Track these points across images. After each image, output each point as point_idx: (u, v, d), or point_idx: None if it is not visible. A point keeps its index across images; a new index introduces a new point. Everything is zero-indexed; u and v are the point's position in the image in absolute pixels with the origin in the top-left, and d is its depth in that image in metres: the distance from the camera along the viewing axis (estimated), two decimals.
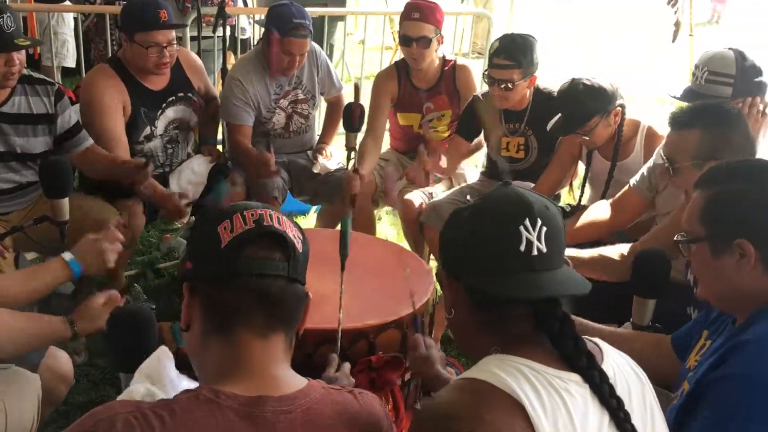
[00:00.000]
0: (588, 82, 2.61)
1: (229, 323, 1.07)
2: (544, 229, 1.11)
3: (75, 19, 5.13)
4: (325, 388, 1.11)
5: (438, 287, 2.26)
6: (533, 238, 1.11)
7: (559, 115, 2.70)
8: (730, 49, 2.46)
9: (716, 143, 1.93)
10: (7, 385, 1.69)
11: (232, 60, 4.18)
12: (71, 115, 2.66)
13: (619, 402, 1.09)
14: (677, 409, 1.42)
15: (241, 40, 4.76)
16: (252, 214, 1.08)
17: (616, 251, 2.23)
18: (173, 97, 3.04)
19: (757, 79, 2.39)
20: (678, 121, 2.04)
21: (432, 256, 3.30)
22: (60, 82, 4.13)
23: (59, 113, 2.61)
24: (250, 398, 1.02)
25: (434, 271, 2.42)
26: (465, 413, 1.02)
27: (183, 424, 0.97)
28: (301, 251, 1.10)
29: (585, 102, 2.59)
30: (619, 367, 1.17)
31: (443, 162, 3.09)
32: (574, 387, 1.07)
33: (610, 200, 2.62)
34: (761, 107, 2.36)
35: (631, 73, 7.95)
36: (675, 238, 1.52)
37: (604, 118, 2.61)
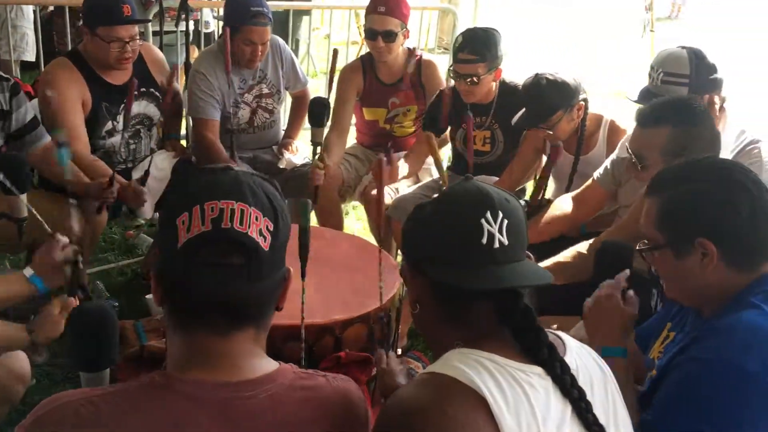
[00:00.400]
0: (551, 77, 2.63)
1: (188, 324, 1.03)
2: (506, 221, 1.13)
3: (34, 11, 5.02)
4: (296, 373, 1.07)
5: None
6: (495, 230, 1.12)
7: (524, 109, 2.72)
8: (683, 48, 2.49)
9: (685, 140, 1.95)
10: None
11: (195, 54, 4.12)
12: (27, 110, 2.59)
13: (581, 392, 1.10)
14: (643, 394, 1.45)
15: (205, 34, 4.71)
16: (212, 209, 0.98)
17: (572, 253, 2.26)
18: (135, 92, 2.98)
19: (711, 77, 2.42)
20: (646, 118, 2.05)
21: (399, 251, 3.30)
22: (19, 76, 4.03)
23: (14, 109, 2.53)
24: (206, 383, 0.99)
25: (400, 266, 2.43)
26: (427, 407, 1.02)
27: (131, 411, 0.95)
28: (267, 249, 1.01)
29: (548, 97, 2.61)
30: (582, 359, 1.18)
31: (403, 170, 3.08)
32: (536, 379, 1.08)
33: (572, 194, 2.65)
34: (718, 103, 2.40)
35: (629, 74, 8.06)
36: (637, 247, 1.54)
37: (567, 113, 2.64)
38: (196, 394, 0.97)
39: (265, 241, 1.01)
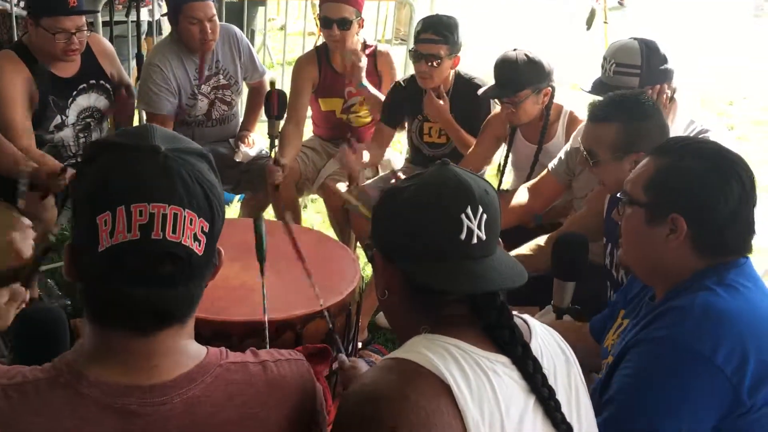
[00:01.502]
0: (529, 53, 2.66)
1: (105, 320, 0.94)
2: (485, 216, 1.10)
3: None
4: (223, 366, 0.98)
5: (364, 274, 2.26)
6: (474, 226, 1.09)
7: (493, 83, 2.74)
8: (634, 39, 2.53)
9: (634, 135, 1.98)
10: None
11: (150, 47, 4.04)
12: None
13: (551, 391, 1.10)
14: (601, 381, 1.46)
15: (158, 23, 4.60)
16: (141, 213, 0.87)
17: (530, 246, 2.28)
18: (84, 85, 2.91)
19: (662, 67, 2.47)
20: (596, 114, 2.08)
21: (359, 244, 3.29)
22: None
23: None
24: (116, 387, 0.91)
25: (360, 260, 2.42)
26: (390, 393, 1.01)
27: (33, 409, 0.89)
28: (202, 253, 0.93)
29: (521, 71, 2.62)
30: (546, 344, 1.18)
31: (365, 157, 3.07)
32: (500, 368, 1.08)
33: (528, 184, 2.68)
34: (668, 93, 2.45)
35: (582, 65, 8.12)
36: (617, 195, 1.55)
37: (534, 93, 2.65)
38: (103, 399, 0.90)
39: (199, 246, 0.91)
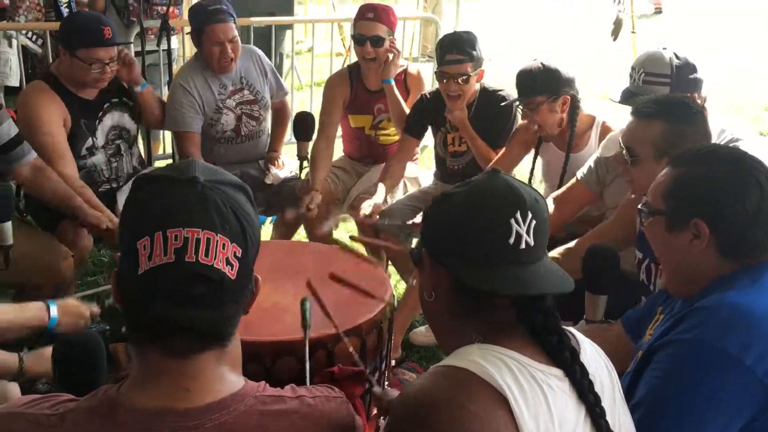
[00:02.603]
0: (545, 62, 2.69)
1: (144, 344, 0.98)
2: (534, 222, 1.11)
3: (16, 37, 5.00)
4: (258, 397, 1.00)
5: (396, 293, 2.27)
6: (523, 231, 1.10)
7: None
8: (664, 48, 2.52)
9: (676, 138, 1.95)
10: None
11: None
12: (11, 127, 2.58)
13: (597, 398, 1.10)
14: (630, 374, 1.45)
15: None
16: (176, 238, 0.92)
17: (559, 251, 2.27)
18: (108, 104, 3.00)
19: (691, 76, 2.45)
20: (643, 111, 2.04)
21: (389, 263, 3.29)
22: (2, 102, 4.01)
23: None
24: (150, 412, 0.94)
25: (392, 278, 2.43)
26: (447, 403, 1.00)
27: None
28: (234, 277, 0.96)
29: (535, 77, 2.67)
30: (594, 360, 1.18)
31: (380, 193, 3.08)
32: (554, 381, 1.07)
33: (554, 194, 2.66)
34: (699, 103, 2.42)
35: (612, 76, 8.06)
36: (638, 206, 1.55)
37: (549, 101, 2.66)
38: (138, 426, 0.93)
39: (232, 269, 0.95)
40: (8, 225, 2.12)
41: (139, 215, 0.96)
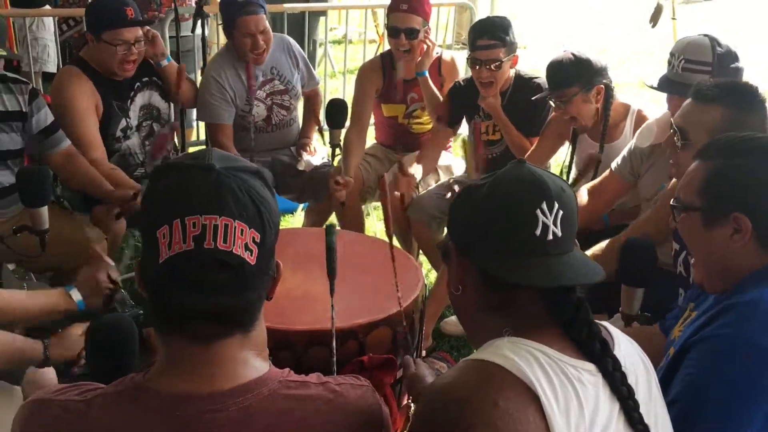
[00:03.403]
0: (576, 52, 2.64)
1: (168, 330, 0.99)
2: (561, 213, 1.09)
3: (54, 24, 5.07)
4: (282, 382, 1.00)
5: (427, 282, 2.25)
6: (549, 222, 1.09)
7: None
8: (705, 35, 2.45)
9: (735, 126, 1.86)
10: None
11: None
12: (47, 114, 2.63)
13: (630, 391, 1.07)
14: (662, 372, 1.42)
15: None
16: (194, 225, 0.92)
17: (591, 251, 2.22)
18: (138, 83, 3.02)
19: (733, 65, 2.37)
20: (702, 93, 1.96)
21: (420, 251, 3.28)
22: (41, 88, 4.08)
23: (34, 112, 2.58)
24: (175, 396, 0.95)
25: (423, 267, 2.41)
26: (476, 398, 0.98)
27: (100, 421, 0.94)
28: (254, 262, 0.96)
29: (567, 69, 2.62)
30: (629, 354, 1.15)
31: (417, 172, 3.05)
32: (586, 376, 1.05)
33: (588, 185, 2.62)
34: None
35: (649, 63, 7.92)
36: (671, 203, 1.51)
37: (583, 92, 2.62)
38: (164, 409, 0.94)
39: (251, 255, 0.95)
40: (44, 209, 2.15)
41: (157, 204, 0.97)
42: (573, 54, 2.64)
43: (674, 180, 2.20)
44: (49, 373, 1.90)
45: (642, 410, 1.09)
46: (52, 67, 5.15)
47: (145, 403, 0.94)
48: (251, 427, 0.95)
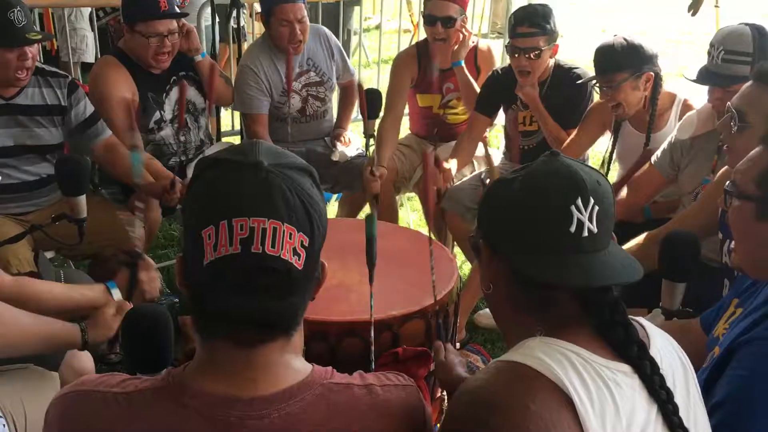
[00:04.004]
0: (627, 38, 2.57)
1: (210, 332, 0.96)
2: (596, 208, 1.04)
3: (91, 14, 5.14)
4: (325, 385, 0.97)
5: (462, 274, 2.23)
6: (585, 218, 1.03)
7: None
8: (746, 24, 2.36)
9: None
10: (24, 383, 1.70)
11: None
12: (86, 106, 2.66)
13: (669, 394, 1.04)
14: (706, 373, 1.38)
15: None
16: (242, 227, 0.89)
17: (628, 245, 2.17)
18: (175, 77, 3.03)
19: None
20: (764, 75, 1.88)
21: (455, 243, 3.25)
22: (80, 78, 4.13)
23: (73, 105, 2.61)
24: (217, 398, 0.92)
25: (458, 258, 2.39)
26: (508, 402, 0.95)
27: (138, 417, 0.92)
28: (301, 267, 0.93)
29: (618, 54, 2.54)
30: (665, 352, 1.11)
31: (453, 167, 3.01)
32: (622, 378, 1.01)
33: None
34: None
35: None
36: (724, 186, 1.45)
37: (632, 78, 2.54)
38: (205, 411, 0.92)
39: (299, 260, 0.92)
40: (83, 198, 2.17)
41: (203, 202, 0.93)
42: (625, 39, 2.57)
43: (721, 171, 2.14)
44: (87, 359, 1.93)
45: (681, 413, 1.05)
46: (90, 57, 5.22)
47: (187, 403, 0.92)
48: None
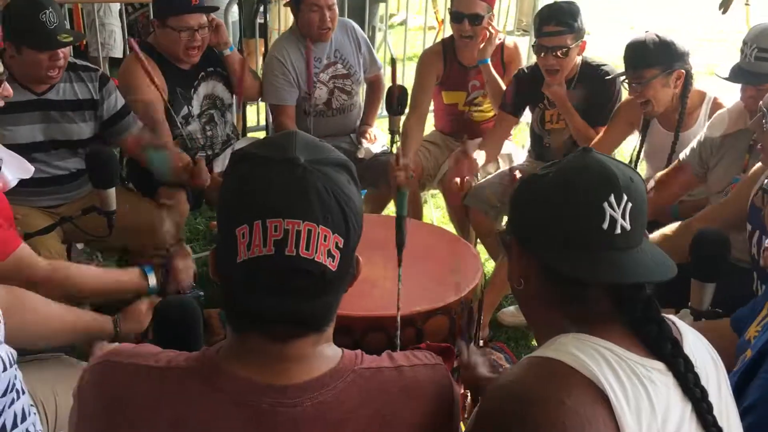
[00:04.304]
0: (659, 35, 2.54)
1: (242, 326, 0.97)
2: (630, 205, 1.03)
3: (120, 9, 5.19)
4: (356, 372, 0.97)
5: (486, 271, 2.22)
6: (617, 215, 1.03)
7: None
8: None
9: None
10: (56, 373, 1.72)
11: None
12: (117, 99, 2.69)
13: (703, 392, 1.03)
14: (738, 376, 1.36)
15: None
16: (276, 229, 0.88)
17: (652, 237, 2.14)
18: (203, 73, 3.05)
19: None
20: None
21: (479, 240, 3.24)
22: (108, 73, 4.18)
23: (105, 98, 2.64)
24: (250, 385, 0.93)
25: (481, 255, 2.38)
26: (543, 398, 0.95)
27: (171, 394, 0.93)
28: (335, 269, 0.92)
29: (648, 50, 2.52)
30: (697, 350, 1.10)
31: (481, 160, 3.00)
32: (656, 375, 1.01)
33: (656, 176, 2.53)
34: None
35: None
36: (763, 185, 1.42)
37: (663, 75, 2.52)
38: (237, 396, 0.92)
39: (333, 261, 0.91)
40: (112, 191, 2.20)
41: (238, 199, 0.92)
42: (657, 35, 2.54)
43: (753, 169, 2.11)
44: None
45: (714, 411, 1.04)
46: (118, 52, 5.26)
47: (221, 388, 0.93)
48: (325, 422, 0.94)
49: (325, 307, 0.96)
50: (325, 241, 0.90)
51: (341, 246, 0.92)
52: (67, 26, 2.78)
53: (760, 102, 1.95)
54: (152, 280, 1.91)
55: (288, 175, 0.90)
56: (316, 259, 0.90)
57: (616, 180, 1.04)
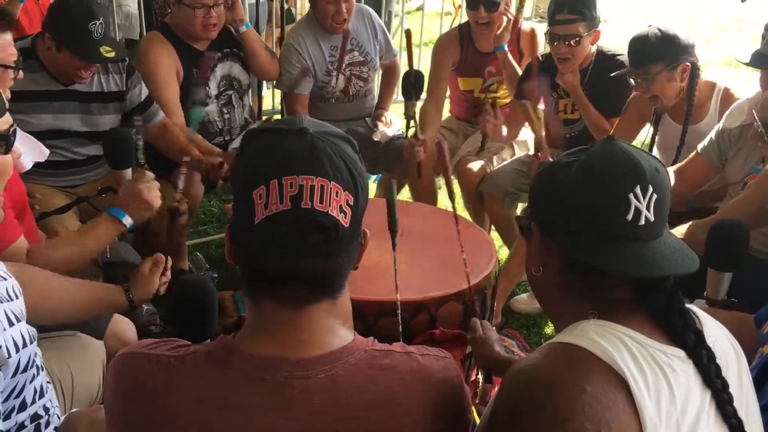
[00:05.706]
0: (663, 28, 2.50)
1: (259, 294, 1.00)
2: (655, 196, 1.03)
3: None
4: (368, 351, 1.00)
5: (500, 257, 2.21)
6: (642, 207, 1.02)
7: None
8: None
9: None
10: (72, 352, 1.74)
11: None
12: (142, 89, 2.68)
13: (724, 383, 1.02)
14: (755, 371, 1.35)
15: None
16: (291, 185, 0.93)
17: (683, 230, 2.13)
18: (220, 54, 3.04)
19: None
20: None
21: (493, 227, 3.23)
22: (132, 63, 4.17)
23: (130, 88, 2.64)
24: (265, 359, 0.96)
25: (495, 242, 2.38)
26: (563, 383, 0.94)
27: (189, 378, 0.96)
28: (347, 225, 0.96)
29: (652, 44, 2.48)
30: (718, 340, 1.09)
31: (504, 130, 2.99)
32: (677, 363, 1.00)
33: (675, 166, 2.51)
34: None
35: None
36: None
37: (668, 69, 2.49)
38: (253, 372, 0.95)
39: (345, 217, 0.95)
40: (128, 172, 2.20)
41: (253, 165, 0.97)
42: (659, 29, 2.50)
43: None
44: (130, 328, 1.97)
45: (734, 403, 1.04)
46: (134, 34, 5.27)
47: (237, 366, 0.96)
48: (338, 394, 0.96)
49: (337, 267, 0.98)
50: (336, 196, 0.95)
51: (351, 204, 0.97)
52: (111, 34, 2.78)
53: (746, 107, 1.93)
54: (127, 220, 1.93)
55: (298, 141, 0.96)
56: (330, 212, 0.94)
57: (642, 171, 1.03)
